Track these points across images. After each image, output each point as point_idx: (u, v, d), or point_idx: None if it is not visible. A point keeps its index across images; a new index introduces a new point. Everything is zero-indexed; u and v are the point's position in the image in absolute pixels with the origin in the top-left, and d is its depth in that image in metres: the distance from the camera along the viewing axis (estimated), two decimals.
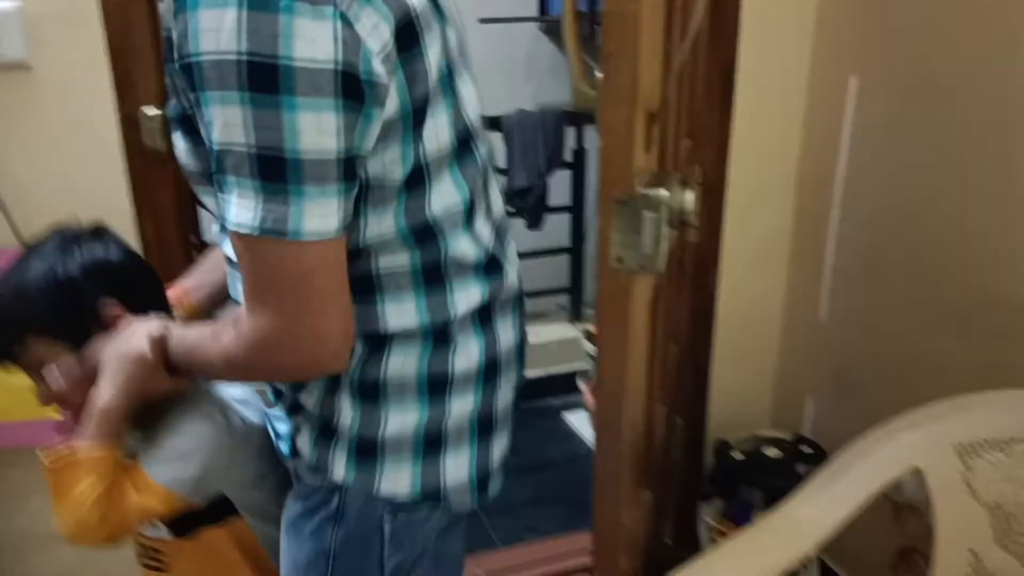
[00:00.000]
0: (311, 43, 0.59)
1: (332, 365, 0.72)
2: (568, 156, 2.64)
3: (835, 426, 1.62)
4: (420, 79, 0.68)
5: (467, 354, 0.80)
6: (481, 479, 0.85)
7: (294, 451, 0.83)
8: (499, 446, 0.87)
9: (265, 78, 0.58)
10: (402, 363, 0.78)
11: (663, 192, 0.77)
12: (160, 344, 0.81)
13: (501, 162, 2.49)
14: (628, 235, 0.79)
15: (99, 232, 0.91)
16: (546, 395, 2.59)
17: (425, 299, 0.77)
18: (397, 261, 0.75)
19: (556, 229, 2.76)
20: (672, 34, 0.89)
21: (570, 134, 2.61)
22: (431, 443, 0.80)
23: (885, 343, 1.46)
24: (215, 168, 0.64)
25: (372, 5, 0.62)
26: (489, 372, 0.83)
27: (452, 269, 0.77)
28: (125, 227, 1.33)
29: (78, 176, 1.29)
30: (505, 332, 0.85)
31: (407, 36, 0.66)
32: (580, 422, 2.51)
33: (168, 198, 1.37)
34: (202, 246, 1.49)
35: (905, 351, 1.41)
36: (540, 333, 2.70)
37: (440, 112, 0.72)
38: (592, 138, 2.58)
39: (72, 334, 0.86)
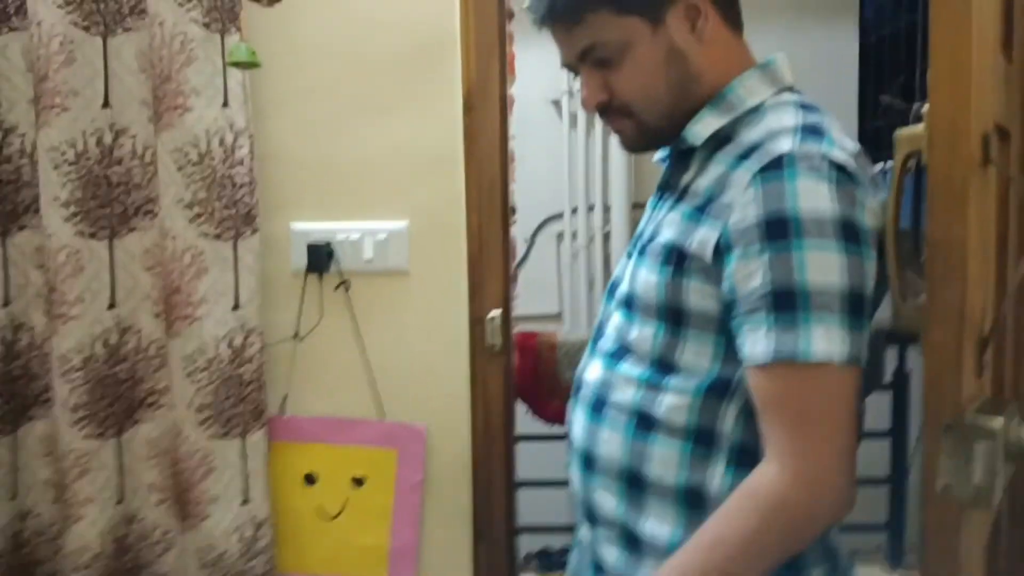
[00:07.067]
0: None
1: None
2: (888, 377, 2.48)
3: None
4: None
5: None
6: None
7: None
8: None
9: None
10: None
11: (998, 421, 0.73)
12: None
13: None
14: (957, 463, 0.75)
15: None
16: None
17: None
18: None
19: (874, 456, 2.55)
20: (1007, 254, 0.87)
21: (891, 354, 2.46)
22: None
23: None
24: (766, 306, 0.80)
25: None
26: None
27: None
28: (462, 411, 1.52)
29: (432, 363, 1.52)
30: None
31: None
32: None
33: (497, 387, 1.55)
34: (515, 438, 1.63)
35: None
36: None
37: None
38: (916, 359, 2.41)
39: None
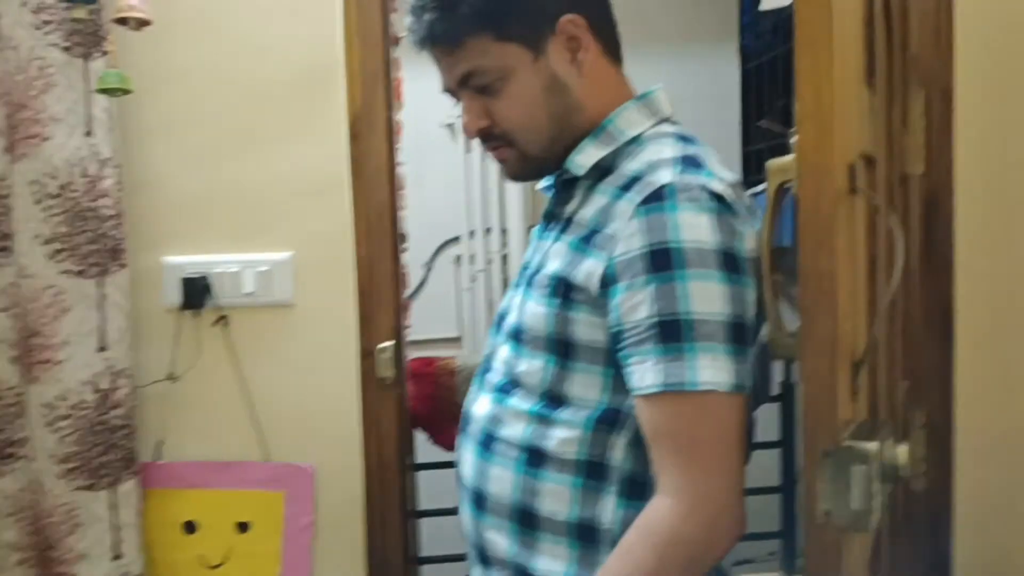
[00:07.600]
0: None
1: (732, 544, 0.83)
2: (776, 389, 2.56)
3: None
4: None
5: None
6: None
7: None
8: None
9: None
10: None
11: (872, 445, 0.74)
12: None
13: None
14: (836, 488, 0.76)
15: None
16: None
17: None
18: None
19: (766, 466, 2.62)
20: (876, 278, 0.90)
21: (777, 367, 2.55)
22: None
23: None
24: (653, 336, 0.79)
25: None
26: None
27: None
28: (352, 446, 1.46)
29: (321, 399, 1.46)
30: None
31: None
32: None
33: (391, 420, 1.50)
34: (415, 467, 1.60)
35: None
36: None
37: None
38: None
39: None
